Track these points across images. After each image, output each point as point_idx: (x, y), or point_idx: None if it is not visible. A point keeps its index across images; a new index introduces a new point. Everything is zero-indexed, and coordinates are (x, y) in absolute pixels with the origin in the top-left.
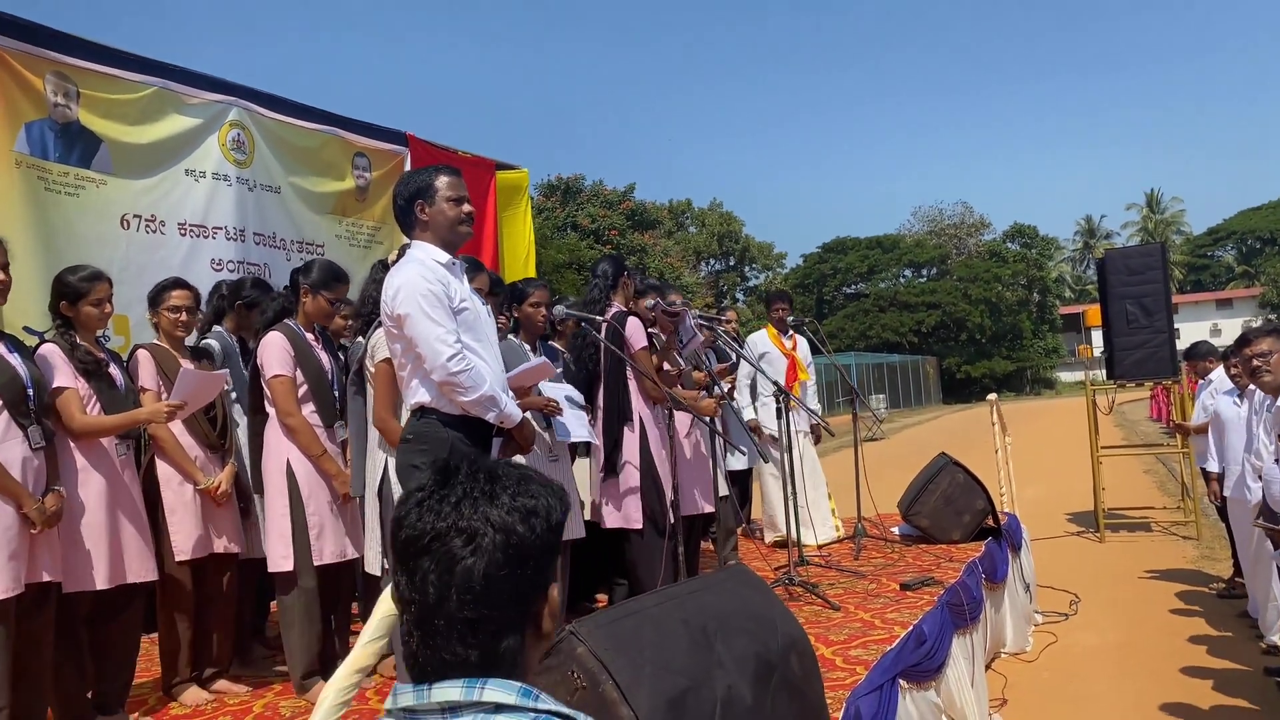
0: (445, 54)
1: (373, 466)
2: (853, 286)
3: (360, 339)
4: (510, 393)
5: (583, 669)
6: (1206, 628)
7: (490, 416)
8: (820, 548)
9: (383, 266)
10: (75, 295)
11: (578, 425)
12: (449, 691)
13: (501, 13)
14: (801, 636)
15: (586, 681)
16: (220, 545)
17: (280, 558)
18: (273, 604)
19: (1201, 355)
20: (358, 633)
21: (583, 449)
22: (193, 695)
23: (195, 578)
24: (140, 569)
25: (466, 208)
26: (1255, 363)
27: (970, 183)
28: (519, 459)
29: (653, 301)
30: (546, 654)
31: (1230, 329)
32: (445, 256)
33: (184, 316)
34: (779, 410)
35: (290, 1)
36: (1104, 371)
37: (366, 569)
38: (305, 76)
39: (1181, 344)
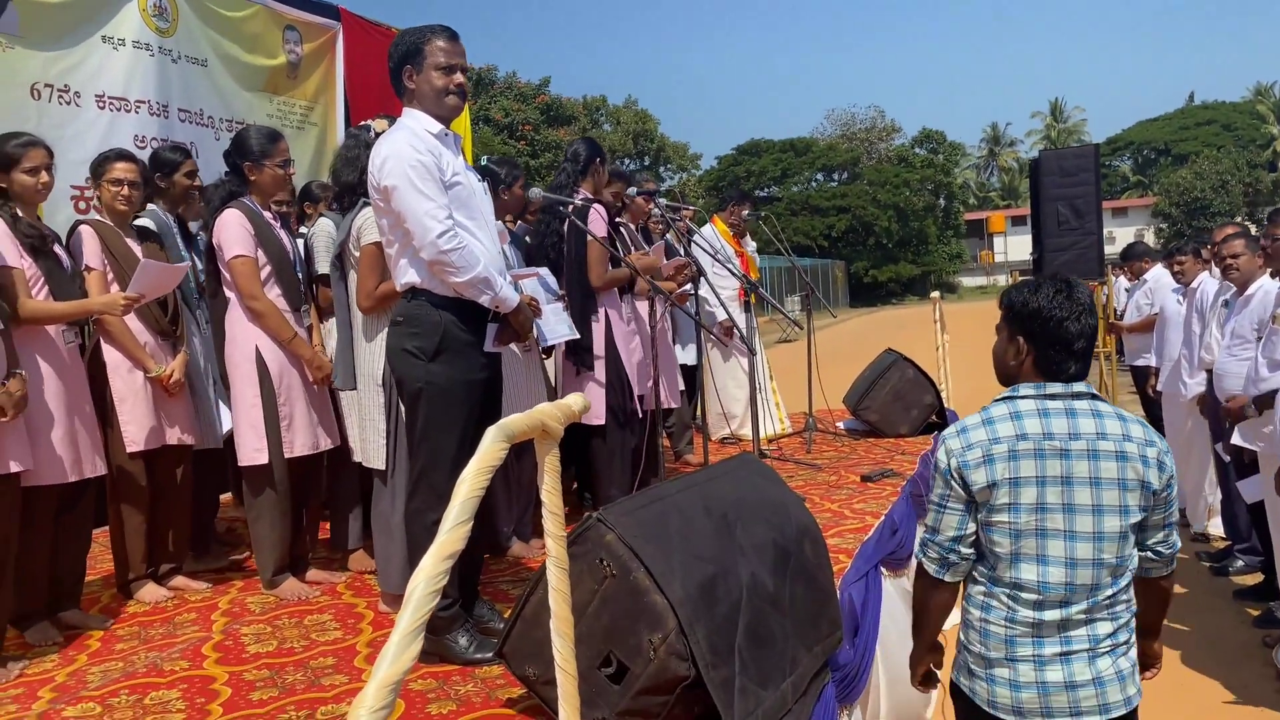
0: None
1: (368, 356)
2: (766, 190)
3: (325, 219)
4: (507, 275)
5: (612, 556)
6: None
7: (484, 300)
8: (770, 441)
9: (363, 130)
10: (7, 162)
11: (557, 323)
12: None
13: None
14: (812, 524)
15: (616, 569)
16: (174, 436)
17: (253, 450)
18: (224, 496)
19: (1137, 255)
20: (325, 526)
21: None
22: (150, 592)
23: (148, 470)
24: (92, 463)
25: (458, 78)
26: (1229, 261)
27: (882, 87)
28: (514, 347)
29: (634, 190)
30: (573, 541)
31: (1124, 236)
32: (437, 127)
33: (126, 190)
34: (746, 305)
35: None
36: (1005, 274)
37: (368, 463)
38: None
39: None
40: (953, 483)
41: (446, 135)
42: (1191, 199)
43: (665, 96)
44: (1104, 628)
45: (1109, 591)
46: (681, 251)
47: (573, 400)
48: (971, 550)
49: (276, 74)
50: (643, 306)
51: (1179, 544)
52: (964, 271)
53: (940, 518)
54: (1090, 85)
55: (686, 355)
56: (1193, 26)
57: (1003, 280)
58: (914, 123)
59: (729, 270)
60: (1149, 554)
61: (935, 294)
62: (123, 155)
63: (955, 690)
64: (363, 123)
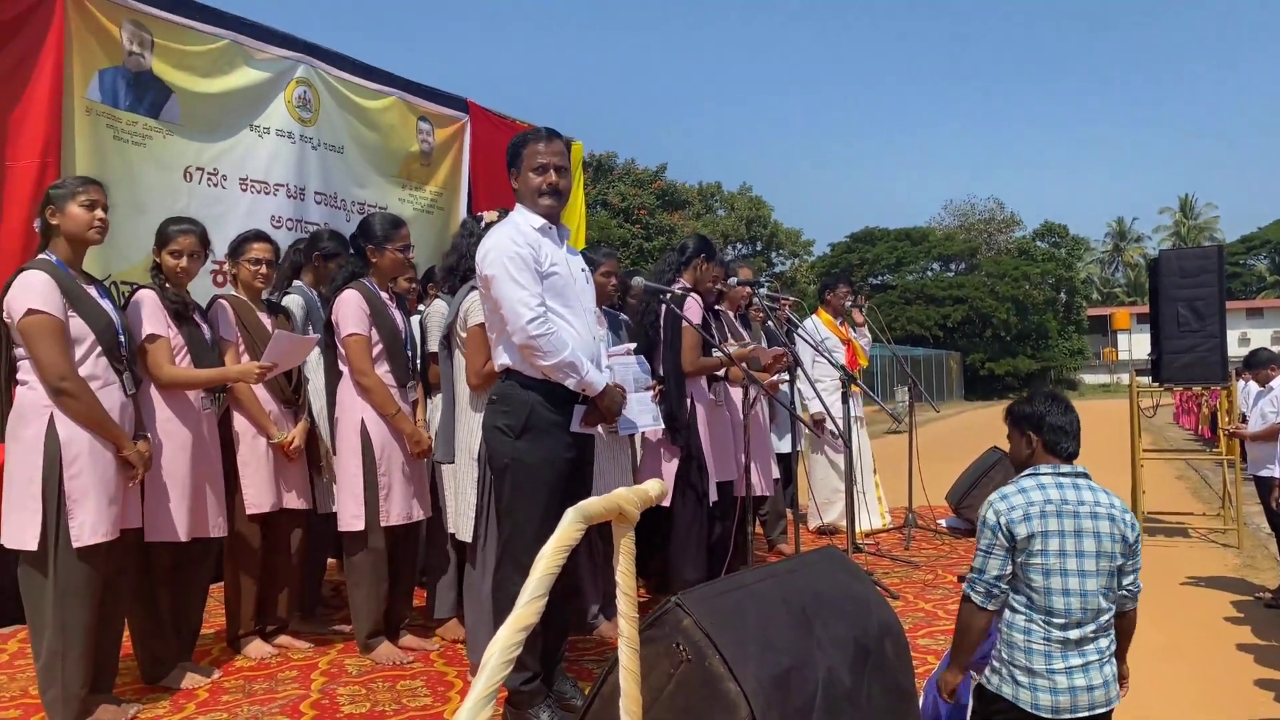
0: (499, 30)
1: (466, 431)
2: (879, 277)
3: (439, 301)
4: (600, 361)
5: (688, 641)
6: (1254, 637)
7: (570, 383)
8: (868, 535)
9: (474, 221)
10: (161, 241)
11: (642, 413)
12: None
13: None
14: (895, 623)
15: (692, 654)
16: (290, 500)
17: (351, 517)
18: (331, 561)
19: (1263, 363)
20: (423, 594)
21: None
22: (257, 649)
23: (263, 532)
24: (217, 523)
25: (550, 177)
26: None
27: (1003, 179)
28: (601, 428)
29: (734, 280)
30: (651, 623)
31: (1259, 338)
32: (539, 222)
33: (264, 269)
34: (844, 396)
35: None
36: (1128, 374)
37: (459, 535)
38: (367, 39)
39: None
40: (1000, 534)
41: (550, 229)
42: None
43: (779, 183)
44: (1104, 642)
45: (1107, 615)
46: (780, 340)
47: (650, 486)
48: (1008, 585)
49: (410, 161)
50: (737, 393)
51: (1141, 585)
52: (1086, 368)
53: (987, 561)
54: (1224, 181)
55: (783, 444)
56: None
57: (1125, 379)
58: (1035, 215)
59: (828, 360)
60: (1124, 592)
61: None
62: (260, 236)
63: (987, 694)
64: (477, 214)
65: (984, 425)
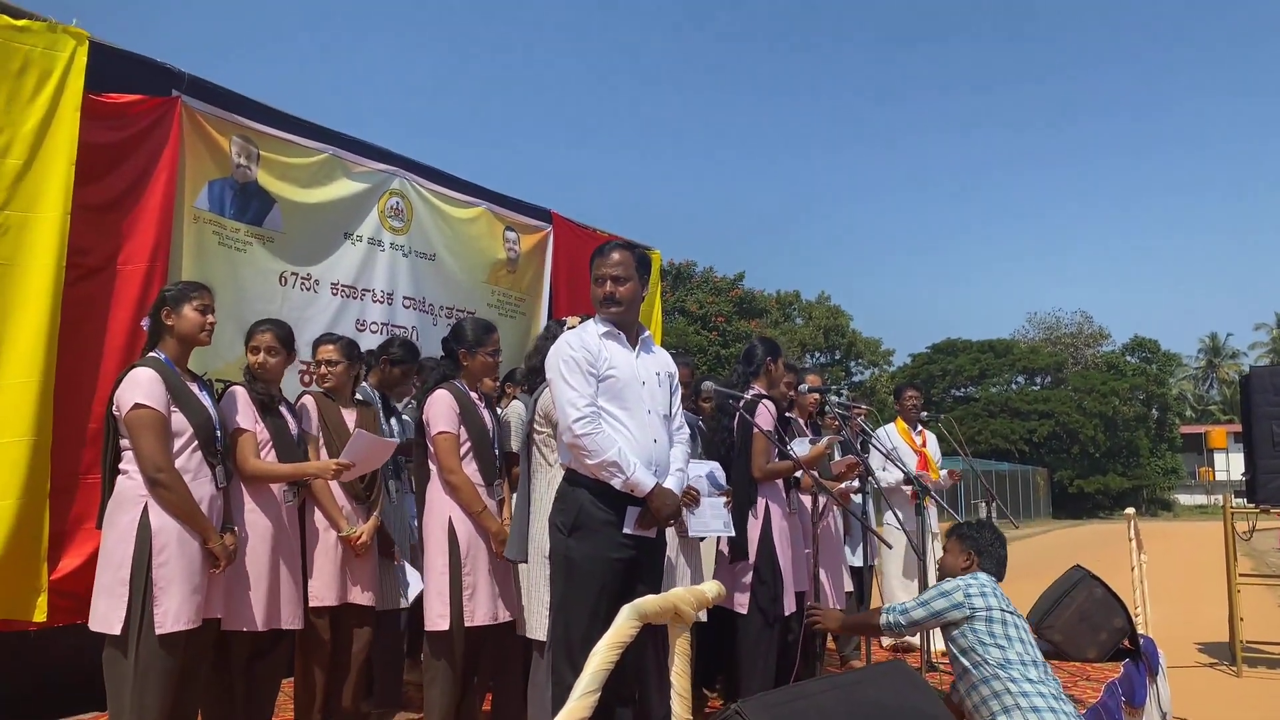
0: (580, 147)
1: (541, 530)
2: (962, 389)
3: (518, 401)
4: (660, 465)
5: None
6: None
7: (615, 482)
8: (943, 654)
9: (557, 325)
10: (247, 339)
11: (713, 518)
12: None
13: (617, 114)
14: None
15: None
16: (356, 595)
17: (437, 616)
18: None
19: None
20: (492, 694)
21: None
22: None
23: (332, 626)
24: (292, 615)
25: (607, 287)
26: None
27: (1090, 291)
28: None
29: (806, 386)
30: None
31: None
32: (604, 328)
33: (323, 369)
34: (918, 507)
35: (448, 86)
36: (1224, 495)
37: (529, 634)
38: (457, 146)
39: None
40: (958, 604)
41: (616, 334)
42: None
43: (859, 292)
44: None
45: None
46: (854, 449)
47: (708, 587)
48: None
49: (498, 268)
50: (809, 501)
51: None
52: (1181, 488)
53: (925, 620)
54: None
55: (855, 557)
56: None
57: (1220, 500)
58: (1125, 329)
59: (899, 468)
60: None
61: (1130, 510)
62: (327, 339)
63: None
64: (560, 319)
65: (1070, 544)
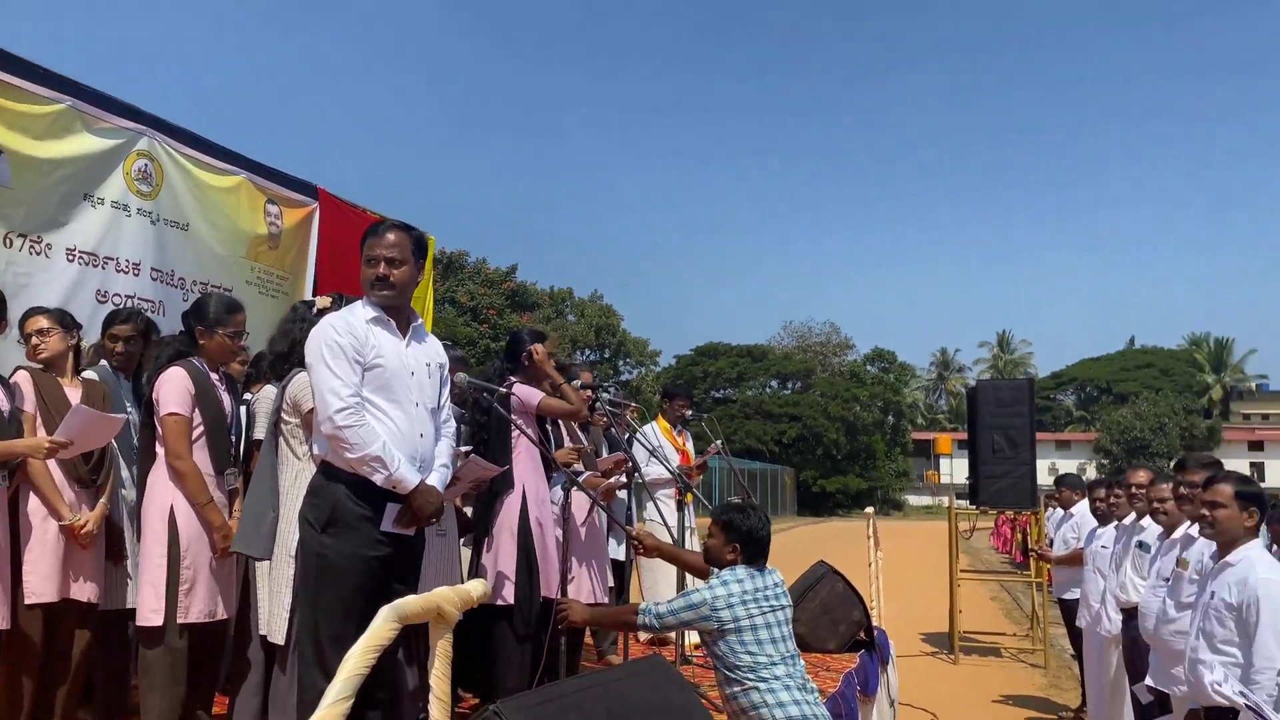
0: (354, 116)
1: (287, 525)
2: (721, 391)
3: (270, 386)
4: (425, 460)
5: None
6: None
7: (377, 479)
8: (697, 647)
9: (305, 306)
10: None
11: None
12: None
13: (416, 93)
14: None
15: None
16: (78, 591)
17: (150, 611)
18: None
19: (1070, 486)
20: (224, 702)
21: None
22: None
23: (46, 624)
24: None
25: (380, 269)
26: (1156, 505)
27: (839, 303)
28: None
29: (578, 383)
30: None
31: (1066, 468)
32: (372, 313)
33: (34, 341)
34: (679, 504)
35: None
36: (948, 496)
37: (271, 637)
38: (214, 117)
39: None
40: (705, 618)
41: (386, 321)
42: (1131, 438)
43: (629, 293)
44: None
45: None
46: (621, 446)
47: (473, 586)
48: None
49: (258, 243)
50: (578, 499)
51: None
52: (910, 490)
53: (676, 627)
54: (1038, 320)
55: (618, 551)
56: (1134, 275)
57: (945, 501)
58: (867, 340)
59: (666, 468)
60: None
61: (869, 510)
62: (33, 311)
63: None
64: (310, 299)
65: (813, 539)
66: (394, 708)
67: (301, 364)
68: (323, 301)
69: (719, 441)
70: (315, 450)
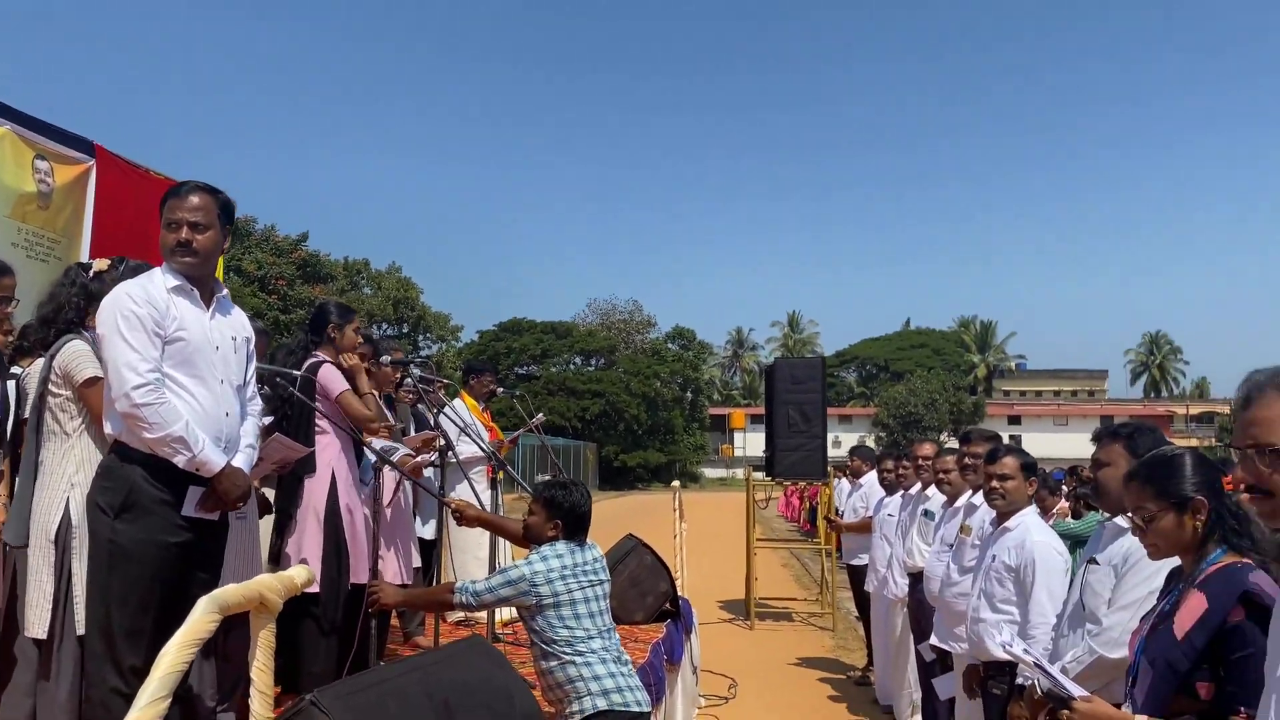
0: (133, 68)
1: (43, 509)
2: (525, 367)
3: (40, 360)
4: (237, 441)
5: None
6: (849, 714)
7: (180, 460)
8: (506, 624)
9: (79, 269)
10: None
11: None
12: None
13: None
14: (537, 711)
15: None
16: None
17: None
18: None
19: (862, 457)
20: None
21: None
22: None
23: None
24: None
25: (183, 233)
26: (941, 475)
27: (641, 281)
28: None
29: (388, 358)
30: None
31: (849, 441)
32: (174, 281)
33: None
34: (493, 481)
35: None
36: (743, 469)
37: (29, 632)
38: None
39: None
40: (524, 593)
41: (189, 290)
42: (906, 413)
43: (430, 266)
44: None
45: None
46: (432, 423)
47: (296, 573)
48: None
49: (25, 201)
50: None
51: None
52: (706, 463)
53: (495, 604)
54: (823, 301)
55: (426, 529)
56: (909, 259)
57: (740, 473)
58: (669, 319)
59: (478, 445)
60: None
61: (676, 484)
62: None
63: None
64: (86, 262)
65: (621, 513)
66: (190, 703)
67: (69, 329)
68: (100, 264)
69: (540, 416)
70: (108, 429)
